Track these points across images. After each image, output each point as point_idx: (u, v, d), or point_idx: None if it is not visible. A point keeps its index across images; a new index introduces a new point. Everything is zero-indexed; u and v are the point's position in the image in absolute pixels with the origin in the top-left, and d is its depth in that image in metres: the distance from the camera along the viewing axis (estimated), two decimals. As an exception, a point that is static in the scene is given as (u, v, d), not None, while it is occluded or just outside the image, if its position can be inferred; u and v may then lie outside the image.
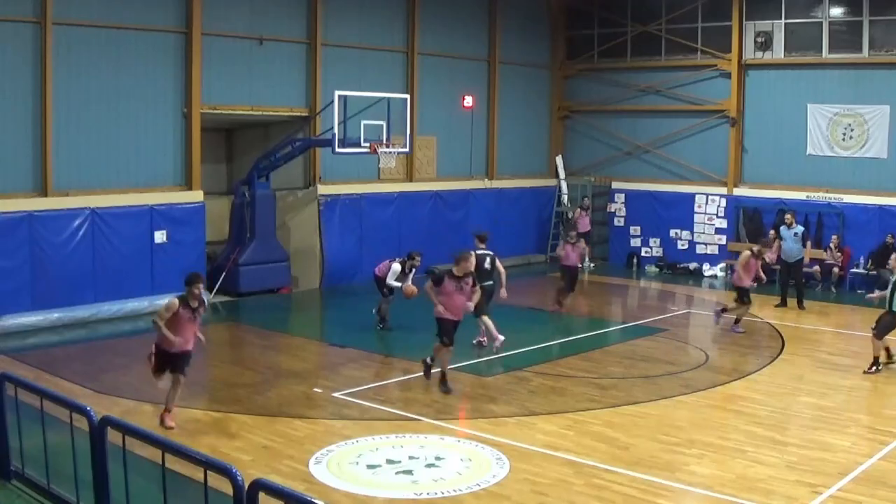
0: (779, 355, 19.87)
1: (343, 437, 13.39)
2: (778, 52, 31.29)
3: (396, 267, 21.15)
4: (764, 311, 24.87)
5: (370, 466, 12.44)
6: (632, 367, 18.43)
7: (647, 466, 12.45)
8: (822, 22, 30.44)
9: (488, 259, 19.72)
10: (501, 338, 18.59)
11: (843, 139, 30.13)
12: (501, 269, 20.14)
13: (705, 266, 32.03)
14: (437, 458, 12.76)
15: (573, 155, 35.34)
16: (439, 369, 16.53)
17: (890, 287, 18.31)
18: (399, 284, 20.89)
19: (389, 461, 12.63)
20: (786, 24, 31.01)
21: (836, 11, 30.40)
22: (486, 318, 19.11)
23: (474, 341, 19.62)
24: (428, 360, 16.75)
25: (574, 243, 24.72)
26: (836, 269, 28.87)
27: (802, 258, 26.21)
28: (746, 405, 15.99)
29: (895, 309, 18.00)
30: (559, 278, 25.22)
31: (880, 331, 18.12)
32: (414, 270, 21.51)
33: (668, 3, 33.16)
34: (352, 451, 12.96)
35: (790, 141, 30.82)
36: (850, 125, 30.00)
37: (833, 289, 28.71)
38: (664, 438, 13.78)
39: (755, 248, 22.90)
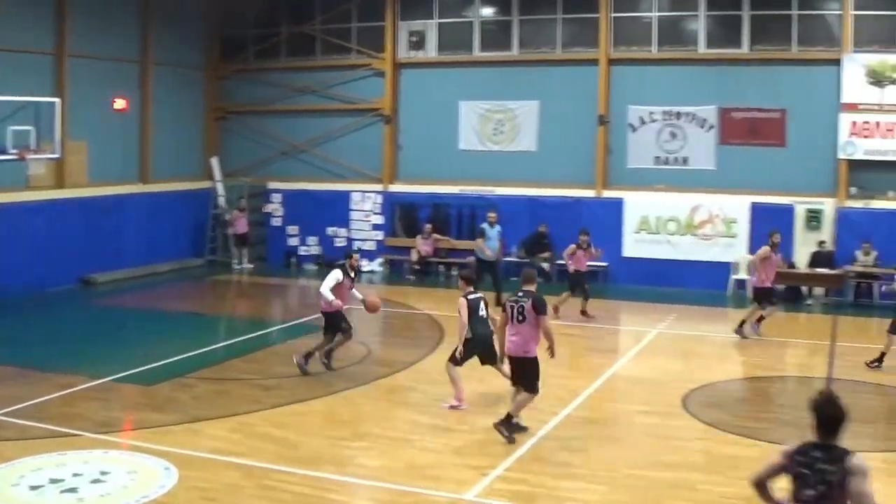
0: (439, 345, 20.28)
1: (2, 459, 12.65)
2: (431, 51, 32.13)
3: (336, 273, 17.57)
4: (424, 302, 25.35)
5: (33, 487, 11.80)
6: (295, 365, 18.32)
7: (316, 463, 12.40)
8: (473, 21, 31.52)
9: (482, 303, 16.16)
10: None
11: (495, 134, 31.29)
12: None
13: (363, 262, 32.36)
14: (103, 473, 12.25)
15: (229, 156, 34.88)
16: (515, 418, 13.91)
17: None
18: (332, 297, 17.31)
19: (53, 480, 12.01)
20: (438, 23, 31.94)
21: (487, 11, 31.71)
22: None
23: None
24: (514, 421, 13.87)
25: (586, 248, 24.25)
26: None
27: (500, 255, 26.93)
28: (411, 395, 16.27)
29: None
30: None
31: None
32: (357, 274, 18.57)
33: (322, 3, 33.37)
34: (12, 472, 12.23)
35: (443, 137, 31.76)
36: (500, 120, 31.23)
37: (489, 277, 29.63)
38: (332, 434, 13.78)
39: (774, 238, 22.43)
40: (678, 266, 28.99)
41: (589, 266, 25.12)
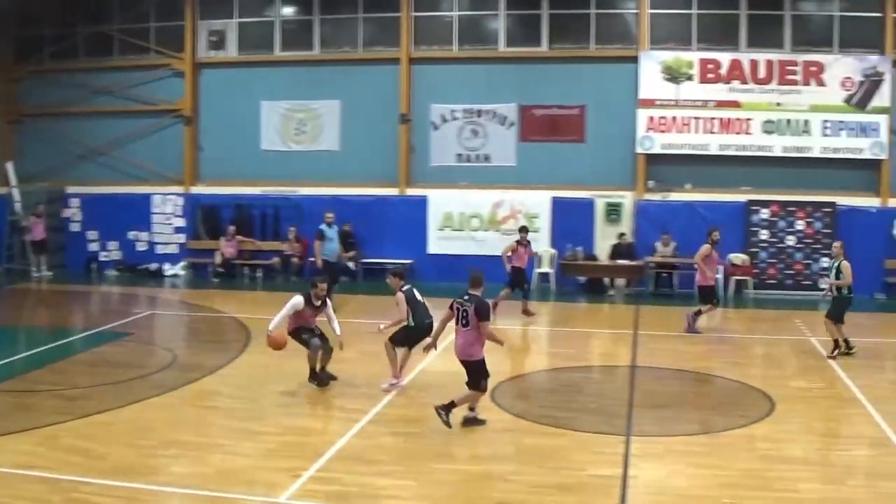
0: (246, 347, 20.07)
1: None
2: (231, 51, 31.87)
3: (297, 300, 16.22)
4: (229, 305, 25.05)
5: None
6: (100, 375, 17.83)
7: (126, 473, 12.09)
8: (274, 21, 31.40)
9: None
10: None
11: (297, 134, 31.25)
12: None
13: (166, 266, 31.91)
14: None
15: (26, 160, 33.69)
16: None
17: (833, 273, 19.41)
18: (272, 327, 16.08)
19: None
20: (239, 22, 31.74)
21: (288, 10, 31.68)
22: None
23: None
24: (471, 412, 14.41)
25: (526, 245, 24.36)
26: (295, 259, 29.72)
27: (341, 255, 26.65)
28: (219, 400, 16.01)
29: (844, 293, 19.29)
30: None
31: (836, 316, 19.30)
32: (323, 302, 16.57)
33: (120, 2, 32.68)
34: None
35: (245, 138, 31.62)
36: (303, 120, 31.19)
37: (294, 278, 29.56)
38: (140, 443, 13.45)
39: (714, 234, 22.54)
40: (482, 261, 29.03)
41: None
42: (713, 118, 29.13)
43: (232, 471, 12.16)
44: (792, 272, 28.89)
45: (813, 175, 29.09)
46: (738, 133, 29.07)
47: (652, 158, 29.51)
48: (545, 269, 29.11)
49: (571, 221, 29.31)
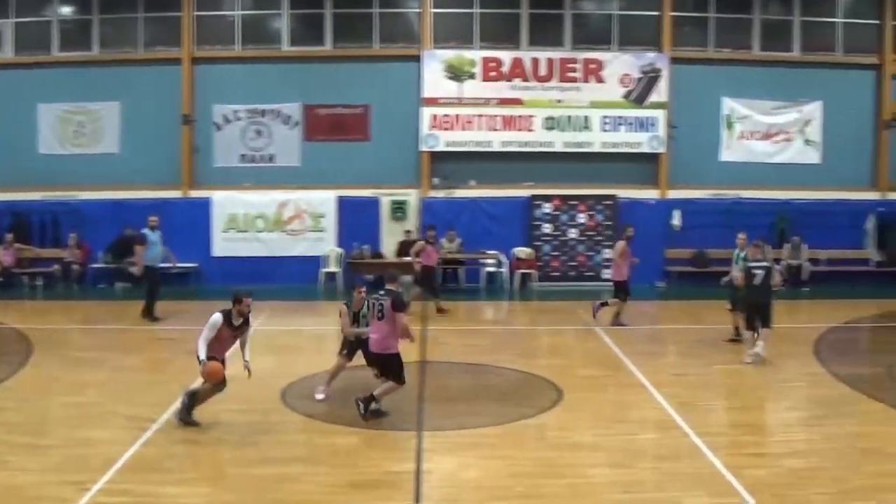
0: (29, 359, 19.43)
1: None
2: (7, 52, 30.88)
3: (215, 318, 13.82)
4: (9, 315, 24.27)
5: None
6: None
7: None
8: (51, 21, 30.66)
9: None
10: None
11: (76, 136, 30.44)
12: None
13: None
14: None
15: None
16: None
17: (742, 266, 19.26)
18: (203, 356, 13.73)
19: None
20: (15, 22, 30.78)
21: (66, 10, 31.04)
22: None
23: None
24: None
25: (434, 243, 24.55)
26: (76, 266, 28.99)
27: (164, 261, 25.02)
28: (1, 414, 15.49)
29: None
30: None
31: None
32: (245, 322, 14.28)
33: None
34: None
35: (22, 141, 30.60)
36: (82, 122, 30.44)
37: (76, 285, 28.84)
38: (-84, 462, 12.96)
39: (628, 232, 22.28)
40: (268, 263, 29.34)
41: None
42: (496, 115, 29.70)
43: (17, 487, 11.78)
44: (575, 264, 29.70)
45: (594, 169, 29.97)
46: (520, 130, 29.71)
47: (436, 156, 29.90)
48: (332, 268, 29.11)
49: (357, 220, 29.47)
